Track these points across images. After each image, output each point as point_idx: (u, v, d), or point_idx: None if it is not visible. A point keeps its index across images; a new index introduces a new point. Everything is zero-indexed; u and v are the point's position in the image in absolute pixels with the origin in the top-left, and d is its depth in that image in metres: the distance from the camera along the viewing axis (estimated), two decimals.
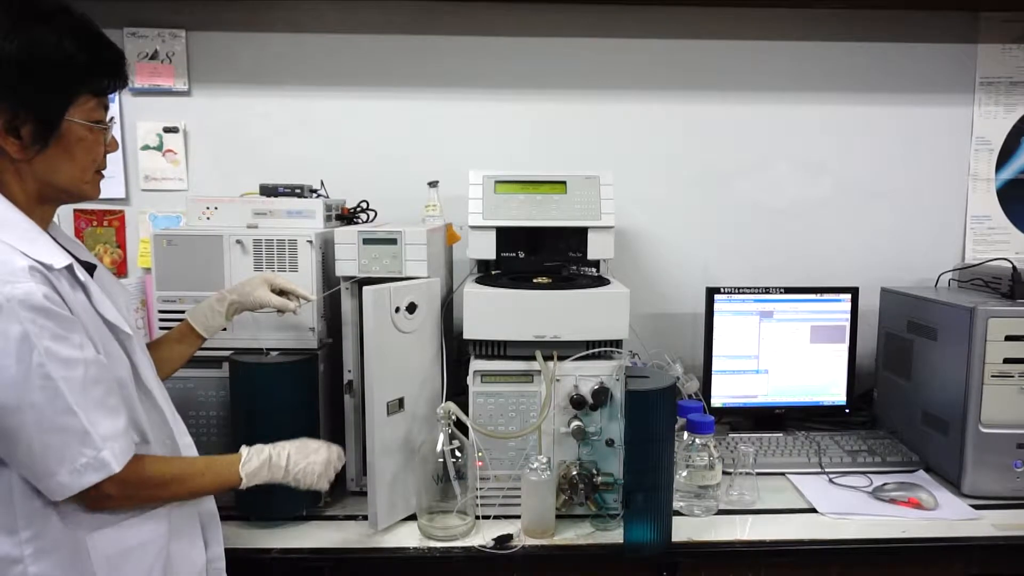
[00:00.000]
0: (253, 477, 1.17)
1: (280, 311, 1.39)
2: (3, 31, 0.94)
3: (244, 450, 1.19)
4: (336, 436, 1.54)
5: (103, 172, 1.10)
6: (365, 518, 1.44)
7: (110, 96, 1.08)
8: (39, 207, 1.05)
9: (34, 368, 0.92)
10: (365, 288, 1.37)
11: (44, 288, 0.94)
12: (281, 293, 1.40)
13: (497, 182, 1.66)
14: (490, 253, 1.64)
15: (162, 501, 1.10)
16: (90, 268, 1.09)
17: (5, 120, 0.97)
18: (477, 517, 1.42)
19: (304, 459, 1.21)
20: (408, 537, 1.40)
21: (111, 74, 1.05)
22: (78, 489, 0.97)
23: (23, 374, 0.92)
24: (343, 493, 1.56)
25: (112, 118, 1.09)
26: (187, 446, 1.18)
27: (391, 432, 1.42)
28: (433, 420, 1.44)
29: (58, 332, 0.94)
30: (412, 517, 1.45)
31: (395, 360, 1.41)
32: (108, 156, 1.10)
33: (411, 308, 1.43)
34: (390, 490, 1.42)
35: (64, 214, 2.03)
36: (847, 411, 1.93)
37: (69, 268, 1.00)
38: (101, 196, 1.12)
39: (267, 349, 1.49)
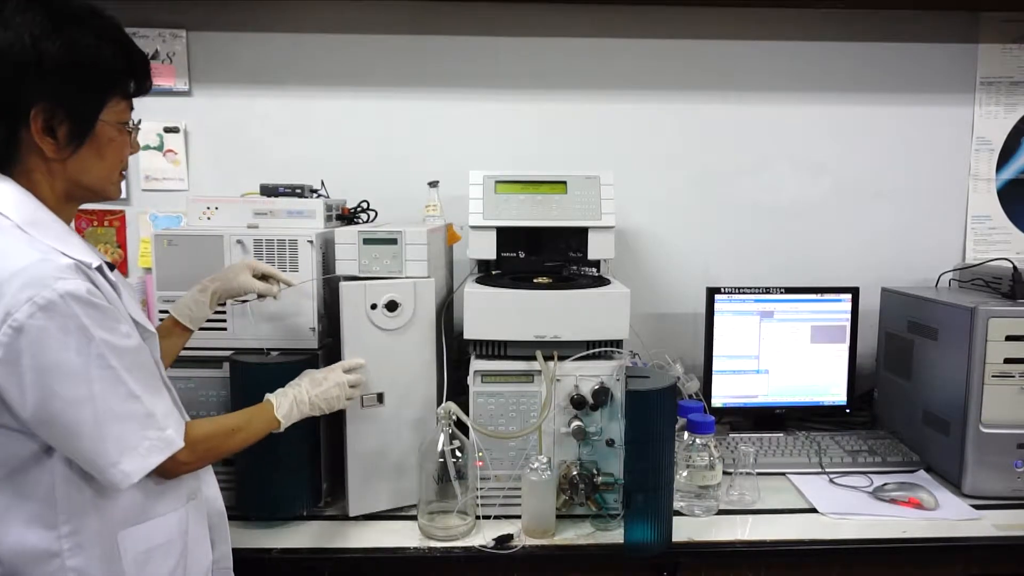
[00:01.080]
0: (288, 418, 1.26)
1: (261, 296, 1.41)
2: (44, 32, 0.95)
3: (271, 397, 1.28)
4: (336, 434, 1.55)
5: (124, 173, 1.11)
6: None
7: None
8: (65, 206, 1.06)
9: (94, 359, 0.94)
10: (342, 284, 1.39)
11: (88, 284, 0.96)
12: (263, 278, 1.41)
13: (497, 182, 1.66)
14: (490, 253, 1.64)
15: (228, 452, 1.18)
16: (109, 267, 1.10)
17: (43, 120, 0.97)
18: (477, 517, 1.42)
19: (318, 388, 1.32)
20: (408, 537, 1.40)
21: (140, 76, 1.07)
22: (144, 473, 0.98)
23: (84, 365, 0.93)
24: (343, 493, 1.56)
25: (140, 120, 1.10)
26: None
27: (366, 426, 1.45)
28: (430, 420, 1.44)
29: (108, 323, 0.96)
30: (412, 517, 1.45)
31: (374, 356, 1.42)
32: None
33: (391, 306, 1.43)
34: (366, 481, 1.46)
35: None
36: (847, 411, 1.93)
37: (99, 267, 1.02)
38: None
39: (267, 349, 1.49)
